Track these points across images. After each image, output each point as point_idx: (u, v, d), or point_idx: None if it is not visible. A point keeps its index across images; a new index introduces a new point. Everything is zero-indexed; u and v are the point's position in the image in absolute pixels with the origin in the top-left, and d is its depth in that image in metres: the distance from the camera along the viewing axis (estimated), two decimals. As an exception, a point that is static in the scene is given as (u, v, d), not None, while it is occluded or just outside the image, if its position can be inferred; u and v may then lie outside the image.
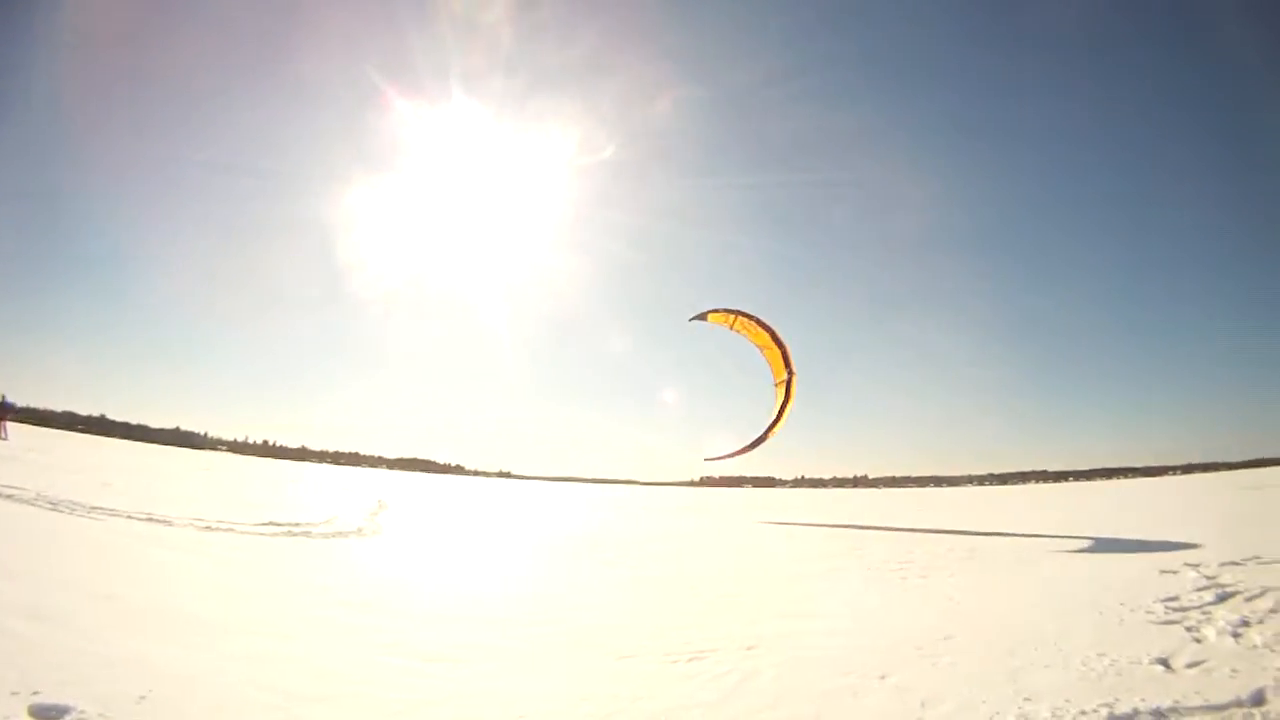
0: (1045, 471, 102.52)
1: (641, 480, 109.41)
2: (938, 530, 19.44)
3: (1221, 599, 7.57)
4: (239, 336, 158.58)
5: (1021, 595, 9.36)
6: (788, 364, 23.28)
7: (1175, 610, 7.31)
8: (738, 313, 23.61)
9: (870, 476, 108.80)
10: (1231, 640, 6.01)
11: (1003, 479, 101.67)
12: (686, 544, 18.29)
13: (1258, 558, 9.85)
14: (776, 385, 24.23)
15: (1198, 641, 6.11)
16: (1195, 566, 9.58)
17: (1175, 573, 9.35)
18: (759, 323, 23.43)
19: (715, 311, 23.94)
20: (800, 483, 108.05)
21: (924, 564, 12.23)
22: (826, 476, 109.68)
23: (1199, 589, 8.16)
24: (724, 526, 25.19)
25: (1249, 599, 7.41)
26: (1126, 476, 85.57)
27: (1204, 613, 7.06)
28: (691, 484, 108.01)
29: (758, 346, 24.29)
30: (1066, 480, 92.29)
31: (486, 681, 5.64)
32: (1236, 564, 9.54)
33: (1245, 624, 6.43)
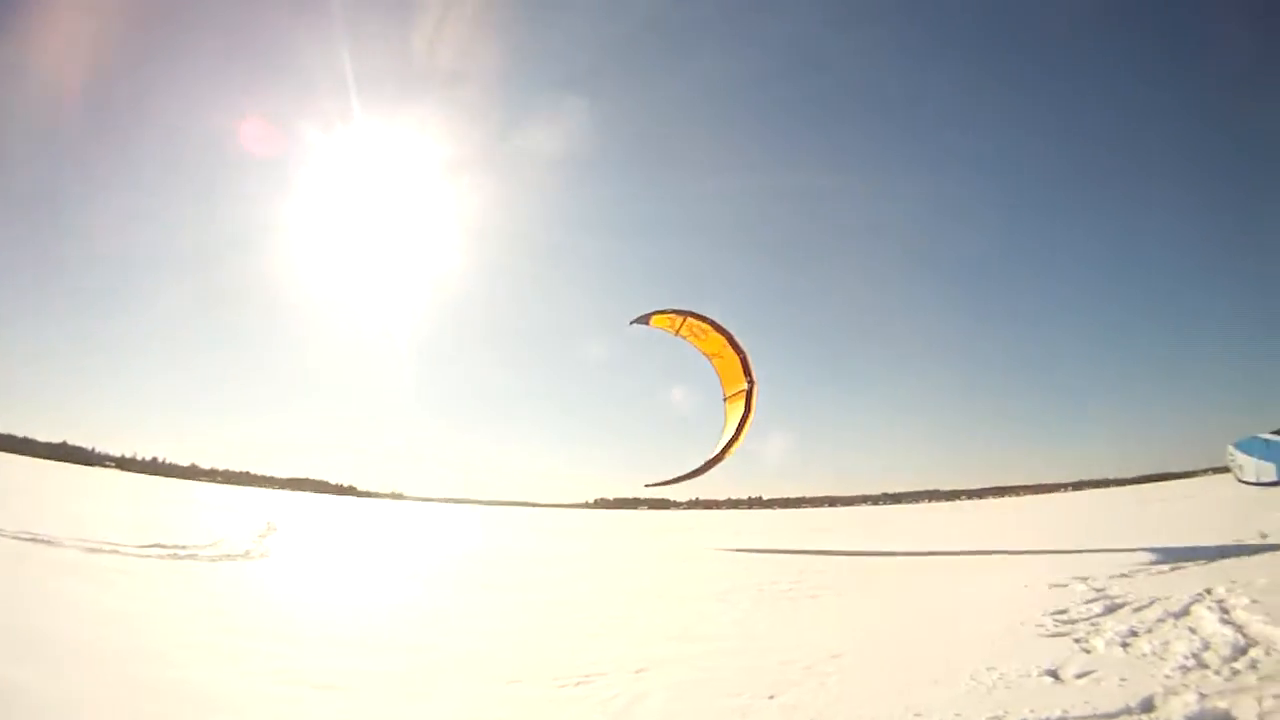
0: (938, 491, 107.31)
1: (536, 502, 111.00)
2: (830, 550, 20.21)
3: (1110, 610, 8.00)
4: (130, 349, 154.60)
5: (911, 612, 9.71)
6: (748, 372, 22.13)
7: (1064, 623, 7.66)
8: (686, 314, 22.30)
9: (765, 498, 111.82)
10: (1120, 650, 6.30)
11: (896, 498, 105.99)
12: (578, 566, 18.54)
13: (1146, 570, 10.55)
14: (728, 399, 23.18)
15: (1087, 652, 6.37)
16: (1084, 579, 10.17)
17: (1064, 586, 9.89)
18: (713, 326, 22.25)
19: (660, 314, 22.51)
20: (695, 504, 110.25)
21: (815, 584, 12.59)
22: (721, 498, 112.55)
23: (1088, 601, 8.62)
24: (616, 549, 25.64)
25: (1137, 609, 7.86)
26: (1018, 494, 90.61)
27: (1093, 624, 7.42)
28: (586, 506, 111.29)
29: (706, 354, 23.18)
30: (959, 499, 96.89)
31: (373, 709, 5.73)
32: (1125, 576, 10.22)
33: (1134, 634, 6.77)
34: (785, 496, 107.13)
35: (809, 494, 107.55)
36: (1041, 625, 7.62)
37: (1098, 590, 9.25)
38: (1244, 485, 21.21)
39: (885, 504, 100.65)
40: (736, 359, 22.17)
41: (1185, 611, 7.41)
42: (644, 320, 22.64)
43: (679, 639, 8.37)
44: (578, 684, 6.31)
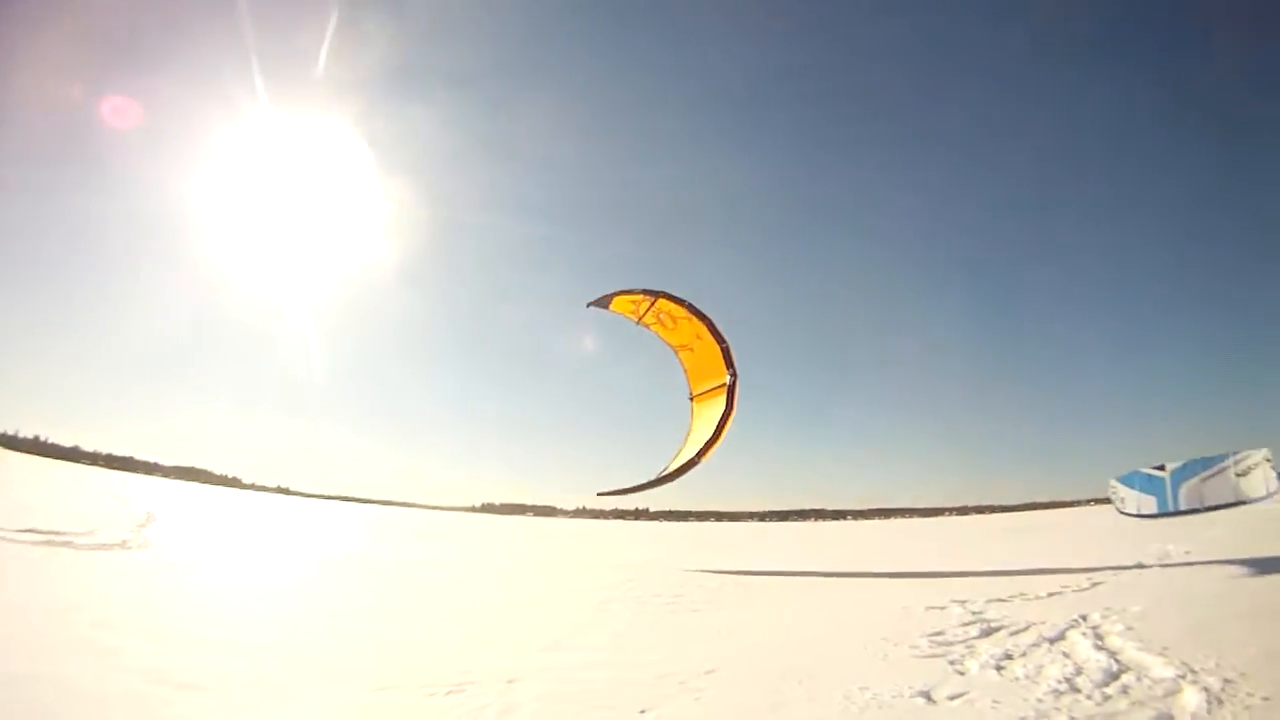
0: (824, 510, 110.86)
1: (422, 504, 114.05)
2: (713, 565, 20.54)
3: (986, 634, 8.29)
4: (20, 326, 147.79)
5: (789, 630, 9.85)
6: (730, 364, 19.61)
7: (940, 644, 7.86)
8: (657, 296, 19.82)
9: (651, 510, 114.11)
10: (994, 673, 6.48)
11: (783, 515, 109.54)
12: (455, 572, 18.36)
13: (1023, 594, 11.10)
14: (696, 397, 21.11)
15: (960, 674, 6.53)
16: (962, 603, 10.56)
17: (942, 608, 10.25)
18: (690, 310, 19.79)
19: (625, 294, 20.13)
20: (580, 513, 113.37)
21: (695, 599, 12.70)
22: (607, 508, 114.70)
23: (964, 624, 8.93)
24: (498, 555, 25.54)
25: (1013, 633, 8.18)
26: (903, 516, 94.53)
27: (968, 646, 7.65)
28: (471, 509, 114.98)
29: (673, 346, 21.07)
30: (845, 518, 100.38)
31: (239, 713, 5.74)
32: (1003, 601, 10.67)
33: (1008, 657, 7.00)
34: (671, 509, 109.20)
35: (695, 507, 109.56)
36: (917, 646, 7.78)
37: (975, 614, 9.59)
38: (1124, 517, 22.45)
39: (771, 520, 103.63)
40: (716, 350, 19.89)
41: (1060, 637, 7.75)
42: (604, 302, 20.50)
43: (554, 649, 8.40)
44: (448, 693, 6.33)
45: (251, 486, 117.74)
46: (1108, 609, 9.03)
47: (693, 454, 20.02)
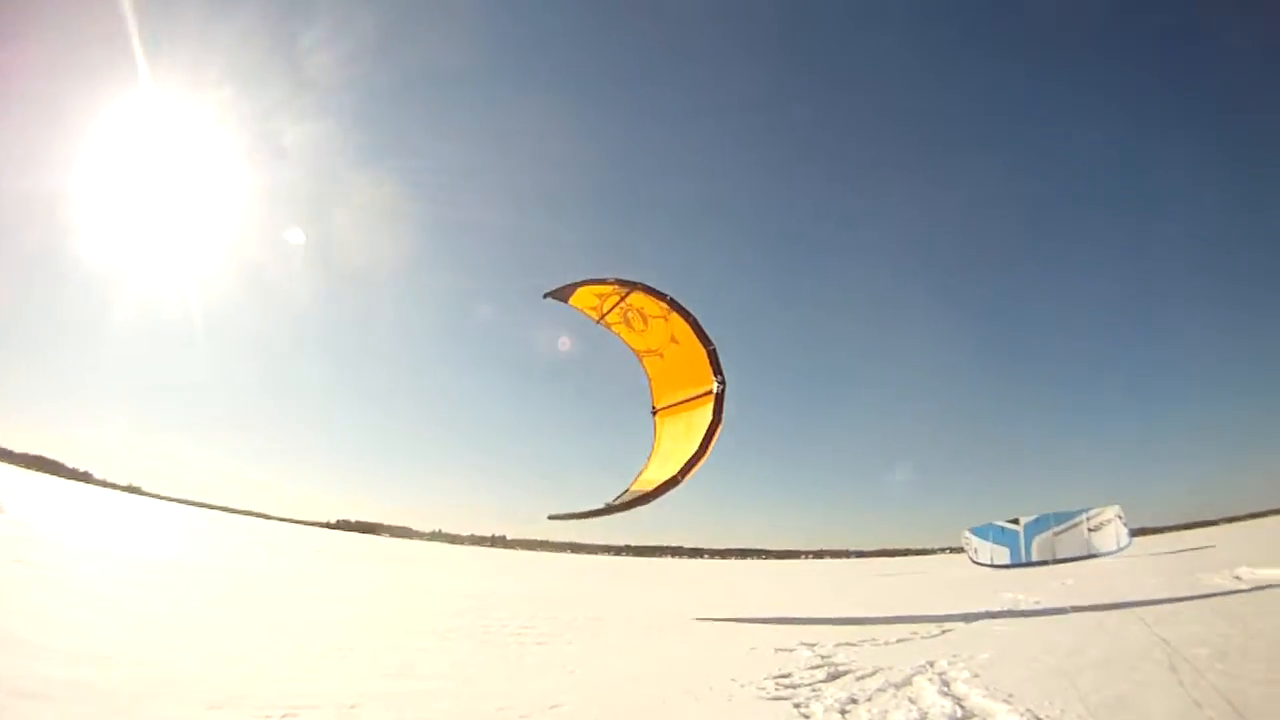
0: (681, 548, 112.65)
1: (275, 515, 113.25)
2: (564, 597, 20.83)
3: (833, 677, 8.34)
4: None
5: (636, 667, 9.75)
6: (718, 370, 16.90)
7: (786, 687, 7.87)
8: (631, 287, 17.13)
9: (508, 537, 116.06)
10: (839, 716, 6.49)
11: (639, 551, 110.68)
12: (303, 589, 18.03)
13: (873, 640, 11.29)
14: (660, 412, 18.69)
15: (805, 717, 6.53)
16: (811, 646, 10.71)
17: (791, 650, 10.36)
18: (671, 305, 17.07)
19: (591, 285, 17.46)
20: (436, 537, 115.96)
21: (545, 631, 12.63)
22: (464, 533, 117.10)
23: (812, 667, 8.99)
24: (348, 574, 25.45)
25: (860, 678, 8.24)
26: (759, 558, 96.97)
27: (814, 690, 7.66)
28: (327, 525, 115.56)
29: (638, 351, 18.68)
30: (701, 557, 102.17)
31: None
32: (851, 645, 10.85)
33: (853, 701, 7.01)
34: (529, 539, 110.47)
35: (553, 539, 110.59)
36: (763, 689, 7.78)
37: (823, 657, 9.70)
38: (977, 566, 23.44)
39: (627, 555, 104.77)
40: (699, 354, 17.20)
41: (907, 682, 7.85)
42: (564, 295, 17.79)
43: (396, 676, 8.31)
44: (284, 715, 6.20)
45: (102, 483, 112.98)
46: (955, 656, 9.27)
47: (674, 471, 16.94)
